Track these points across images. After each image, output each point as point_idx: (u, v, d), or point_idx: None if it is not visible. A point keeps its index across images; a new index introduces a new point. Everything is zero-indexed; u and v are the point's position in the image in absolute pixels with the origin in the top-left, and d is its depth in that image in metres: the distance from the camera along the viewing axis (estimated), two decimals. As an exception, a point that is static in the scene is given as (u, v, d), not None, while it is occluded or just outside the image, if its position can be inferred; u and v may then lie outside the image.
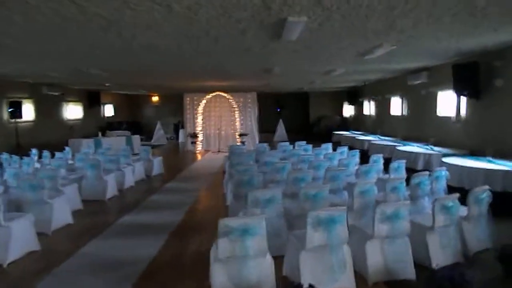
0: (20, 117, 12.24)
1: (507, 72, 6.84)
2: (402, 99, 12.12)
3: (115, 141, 14.00)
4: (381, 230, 3.50)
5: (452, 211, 3.84)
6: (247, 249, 3.03)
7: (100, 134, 13.94)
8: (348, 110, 19.27)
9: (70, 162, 8.71)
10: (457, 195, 3.98)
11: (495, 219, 4.50)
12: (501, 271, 3.63)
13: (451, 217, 3.84)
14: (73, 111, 16.64)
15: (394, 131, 12.59)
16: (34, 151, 9.25)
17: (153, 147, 17.88)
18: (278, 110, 20.74)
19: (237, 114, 15.10)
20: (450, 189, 5.51)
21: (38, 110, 13.94)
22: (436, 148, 8.51)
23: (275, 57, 7.54)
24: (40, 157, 9.04)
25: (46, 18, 4.32)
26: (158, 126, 19.27)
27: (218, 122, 15.14)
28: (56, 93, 14.66)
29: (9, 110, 11.99)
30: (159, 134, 19.19)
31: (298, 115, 22.29)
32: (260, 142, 14.79)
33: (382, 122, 14.17)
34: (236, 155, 8.27)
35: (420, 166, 7.85)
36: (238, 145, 11.74)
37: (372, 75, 12.32)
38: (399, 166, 6.42)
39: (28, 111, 13.33)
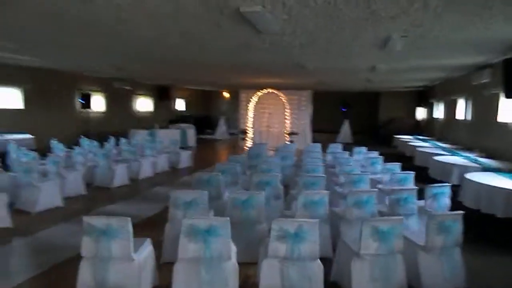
0: (89, 107, 13.78)
1: None
2: (466, 101, 10.39)
3: (171, 133, 14.78)
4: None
5: (388, 238, 3.11)
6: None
7: (157, 126, 14.85)
8: (421, 113, 17.30)
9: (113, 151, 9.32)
10: (395, 218, 3.21)
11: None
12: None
13: (387, 245, 3.11)
14: (143, 104, 18.13)
15: (458, 138, 10.90)
16: (85, 140, 10.17)
17: (216, 141, 18.67)
18: (344, 109, 19.60)
19: (288, 112, 14.68)
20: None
21: (108, 102, 15.52)
22: (482, 160, 7.09)
23: (288, 52, 7.09)
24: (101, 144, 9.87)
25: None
26: (222, 121, 19.85)
27: (268, 120, 14.93)
28: (126, 87, 16.15)
29: (80, 101, 13.59)
30: (222, 129, 19.76)
31: (366, 116, 20.79)
32: (313, 141, 14.22)
33: (449, 127, 12.38)
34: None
35: (454, 180, 6.62)
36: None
37: (434, 73, 10.79)
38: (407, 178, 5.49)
39: (99, 103, 14.95)
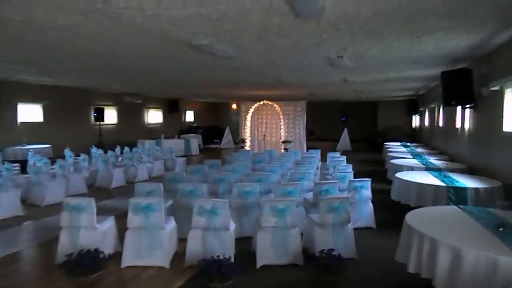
0: (103, 120, 15.31)
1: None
2: (438, 109, 11.18)
3: (176, 143, 16.15)
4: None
5: (283, 214, 4.13)
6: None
7: (163, 136, 16.22)
8: (416, 121, 17.99)
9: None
10: (290, 200, 4.24)
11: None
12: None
13: (283, 220, 4.14)
14: (153, 116, 19.66)
15: (436, 143, 11.67)
16: (94, 149, 11.53)
17: (220, 150, 19.90)
18: (343, 118, 20.48)
19: (282, 122, 15.75)
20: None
21: (120, 115, 17.07)
22: (434, 162, 7.89)
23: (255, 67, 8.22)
24: (105, 152, 11.22)
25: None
26: (227, 131, 21.05)
27: (264, 129, 16.03)
28: (138, 101, 17.71)
29: (94, 114, 15.15)
30: (227, 139, 20.96)
31: (365, 125, 21.56)
32: (307, 149, 15.20)
33: (431, 134, 13.11)
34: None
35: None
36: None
37: (413, 83, 11.60)
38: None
39: (111, 116, 16.52)
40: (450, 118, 9.54)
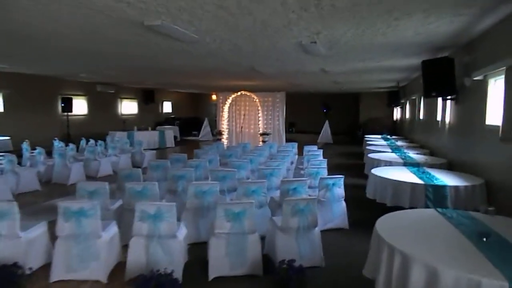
0: (71, 111, 14.41)
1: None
2: (418, 101, 10.83)
3: (149, 135, 15.43)
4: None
5: (240, 219, 3.60)
6: None
7: (135, 128, 15.42)
8: (397, 114, 17.70)
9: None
10: (249, 202, 3.70)
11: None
12: None
13: (238, 225, 3.61)
14: (128, 107, 18.79)
15: (416, 136, 11.34)
16: (56, 142, 10.73)
17: (198, 142, 19.23)
18: (325, 110, 20.05)
19: (260, 113, 15.18)
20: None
21: (91, 106, 16.18)
22: (413, 156, 7.49)
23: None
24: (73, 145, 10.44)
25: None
26: (205, 123, 20.31)
27: (241, 121, 15.44)
28: (110, 91, 16.84)
29: (61, 104, 14.24)
30: (206, 131, 20.26)
31: (346, 117, 21.22)
32: (287, 141, 14.72)
33: (411, 126, 12.80)
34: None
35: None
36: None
37: (395, 74, 11.15)
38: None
39: (81, 106, 15.62)
40: (430, 110, 9.17)
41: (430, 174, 5.39)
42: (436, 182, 4.84)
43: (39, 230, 3.80)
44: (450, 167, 6.58)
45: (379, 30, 5.07)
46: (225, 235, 3.61)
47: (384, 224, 2.96)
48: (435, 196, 4.62)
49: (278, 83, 14.54)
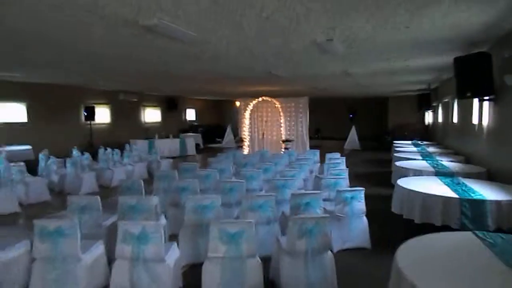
0: (93, 119, 14.48)
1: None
2: (452, 103, 9.95)
3: (171, 143, 15.27)
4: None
5: (237, 241, 3.11)
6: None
7: (156, 136, 15.29)
8: (428, 118, 16.66)
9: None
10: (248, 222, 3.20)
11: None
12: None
13: (235, 248, 3.11)
14: (151, 115, 18.78)
15: (450, 142, 10.45)
16: (75, 151, 10.65)
17: (221, 149, 18.94)
18: (351, 115, 19.24)
19: (282, 120, 14.64)
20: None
21: (114, 114, 16.24)
22: (446, 164, 6.73)
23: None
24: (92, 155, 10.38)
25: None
26: (228, 130, 20.08)
27: (263, 127, 14.96)
28: (133, 99, 16.87)
29: (84, 113, 14.34)
30: (229, 138, 19.98)
31: (374, 122, 20.31)
32: (310, 148, 14.11)
33: (444, 131, 11.86)
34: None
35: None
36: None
37: (425, 75, 10.33)
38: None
39: (104, 115, 15.69)
40: (465, 112, 8.33)
41: (466, 185, 4.69)
42: (473, 196, 4.14)
43: (18, 250, 3.43)
44: (489, 177, 5.80)
45: (402, 22, 4.46)
46: (220, 259, 3.13)
47: (406, 254, 2.39)
48: (472, 213, 3.94)
49: (300, 88, 14.01)
